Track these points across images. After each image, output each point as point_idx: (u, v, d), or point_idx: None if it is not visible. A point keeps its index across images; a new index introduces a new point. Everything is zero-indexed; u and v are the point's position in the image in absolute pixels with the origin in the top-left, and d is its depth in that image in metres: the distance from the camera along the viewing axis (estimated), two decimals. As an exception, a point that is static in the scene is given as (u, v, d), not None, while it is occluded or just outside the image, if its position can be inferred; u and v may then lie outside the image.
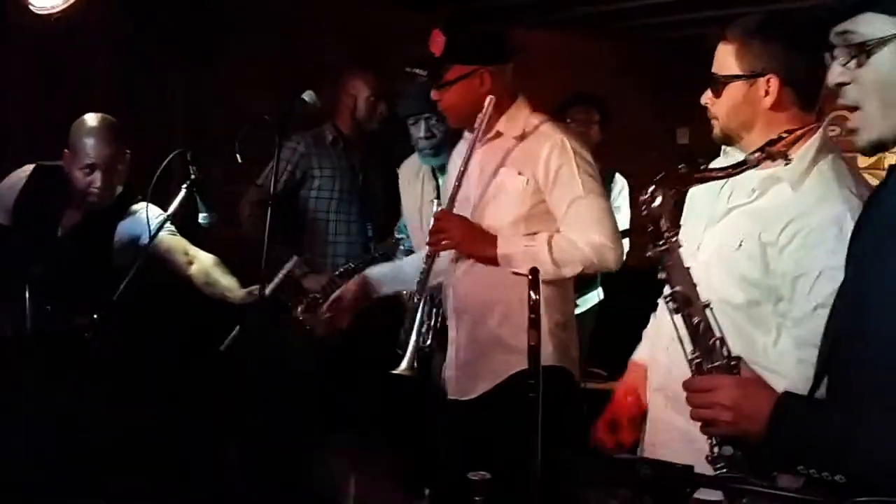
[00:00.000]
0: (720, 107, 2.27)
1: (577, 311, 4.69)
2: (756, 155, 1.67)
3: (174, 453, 3.94)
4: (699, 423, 1.66)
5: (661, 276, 1.72)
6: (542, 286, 2.32)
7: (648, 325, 2.64)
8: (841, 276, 1.70)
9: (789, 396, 1.57)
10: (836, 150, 2.20)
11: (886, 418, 1.43)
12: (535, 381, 2.27)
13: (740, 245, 2.19)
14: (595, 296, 4.82)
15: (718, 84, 2.25)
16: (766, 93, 2.20)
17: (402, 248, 4.05)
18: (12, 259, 3.45)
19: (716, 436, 1.65)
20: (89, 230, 3.53)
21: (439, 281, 3.26)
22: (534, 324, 2.31)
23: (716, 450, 1.68)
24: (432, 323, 3.55)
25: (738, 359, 1.68)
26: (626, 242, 4.80)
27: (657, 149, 6.39)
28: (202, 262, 3.62)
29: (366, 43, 5.08)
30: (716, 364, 1.67)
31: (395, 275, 3.45)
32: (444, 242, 3.01)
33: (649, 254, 1.72)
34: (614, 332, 4.68)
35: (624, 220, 4.93)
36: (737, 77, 2.23)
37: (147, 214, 3.35)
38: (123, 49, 4.59)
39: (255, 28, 4.90)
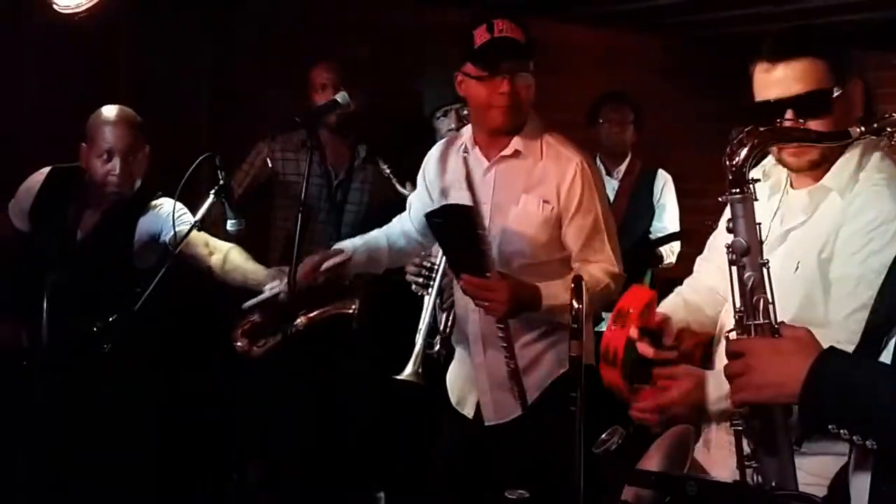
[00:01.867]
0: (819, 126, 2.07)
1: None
2: (862, 128, 1.63)
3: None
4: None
5: (729, 224, 1.70)
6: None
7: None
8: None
9: (833, 354, 1.53)
10: (880, 149, 2.15)
11: None
12: (577, 394, 2.19)
13: (797, 268, 2.12)
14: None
15: (826, 102, 2.10)
16: (856, 100, 2.15)
17: None
18: (30, 266, 3.36)
19: (745, 402, 1.62)
20: (109, 230, 3.44)
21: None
22: (576, 334, 2.23)
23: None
24: (442, 328, 3.45)
25: (782, 323, 1.66)
26: (676, 245, 4.72)
27: (711, 151, 6.23)
28: (221, 250, 3.48)
29: (395, 40, 4.98)
30: (757, 322, 1.65)
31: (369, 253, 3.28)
32: (488, 305, 2.83)
33: (723, 199, 1.71)
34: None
35: (672, 220, 4.80)
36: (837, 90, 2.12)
37: (170, 210, 3.29)
38: (147, 48, 4.50)
39: (282, 25, 4.81)
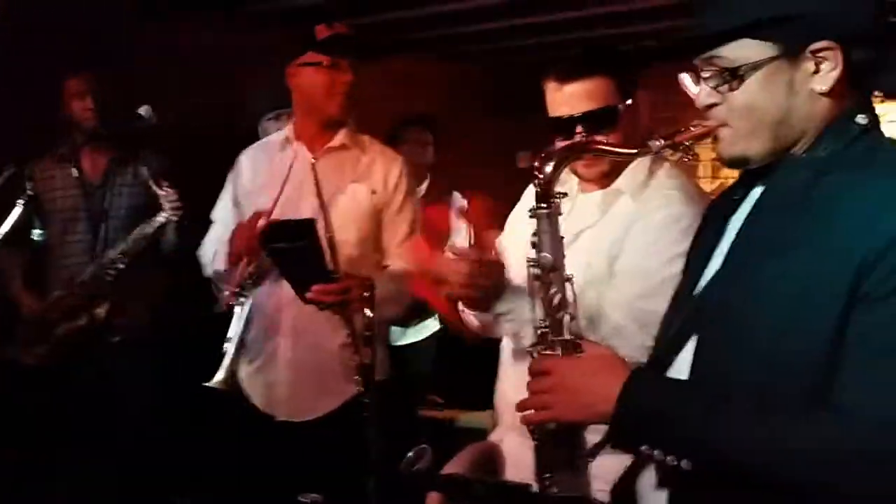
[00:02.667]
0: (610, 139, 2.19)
1: (418, 337, 4.71)
2: (661, 142, 1.60)
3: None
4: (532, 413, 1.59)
5: (534, 239, 1.67)
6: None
7: None
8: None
9: (644, 375, 1.51)
10: (667, 158, 2.26)
11: (752, 410, 1.38)
12: (369, 400, 2.21)
13: (588, 268, 2.18)
14: (434, 322, 4.74)
15: (612, 117, 2.22)
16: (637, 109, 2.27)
17: None
18: None
19: (553, 421, 1.58)
20: None
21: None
22: (368, 341, 2.27)
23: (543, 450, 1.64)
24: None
25: (584, 340, 1.63)
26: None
27: (498, 172, 6.43)
28: None
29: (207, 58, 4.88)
30: (561, 339, 1.63)
31: None
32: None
33: (530, 213, 1.67)
34: (455, 360, 4.69)
35: (464, 241, 4.90)
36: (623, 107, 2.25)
37: None
38: None
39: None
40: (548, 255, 1.65)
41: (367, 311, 2.26)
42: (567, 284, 1.65)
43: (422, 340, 4.66)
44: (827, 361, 1.33)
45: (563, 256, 1.68)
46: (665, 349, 1.60)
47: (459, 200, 4.94)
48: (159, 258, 3.86)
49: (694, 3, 1.55)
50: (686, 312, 1.58)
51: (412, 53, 5.97)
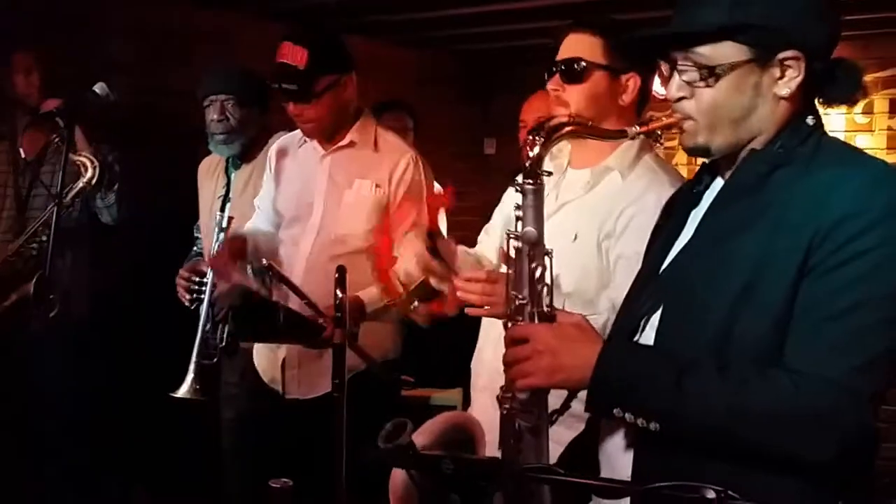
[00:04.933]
0: (576, 93, 2.31)
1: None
2: (638, 128, 1.70)
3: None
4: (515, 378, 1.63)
5: (518, 213, 1.72)
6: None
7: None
8: None
9: (619, 341, 1.64)
10: (652, 147, 2.37)
11: (715, 374, 1.49)
12: (339, 381, 2.22)
13: (575, 238, 2.25)
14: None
15: (582, 69, 2.30)
16: (626, 90, 2.34)
17: (195, 249, 3.82)
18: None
19: (532, 387, 1.62)
20: None
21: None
22: (339, 322, 2.27)
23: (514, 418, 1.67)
24: (219, 340, 3.40)
25: (557, 310, 1.69)
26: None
27: (465, 159, 6.45)
28: None
29: (156, 40, 4.85)
30: (539, 310, 1.67)
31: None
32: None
33: (517, 188, 1.72)
34: (424, 339, 4.71)
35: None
36: (604, 67, 2.30)
37: None
38: None
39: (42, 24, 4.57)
40: (532, 229, 1.70)
41: (339, 292, 2.28)
42: (547, 258, 1.70)
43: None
44: (779, 330, 1.47)
45: (543, 233, 1.72)
46: (629, 322, 1.69)
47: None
48: (107, 244, 3.86)
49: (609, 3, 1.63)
50: (651, 289, 1.67)
51: (378, 37, 5.95)
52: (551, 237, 2.07)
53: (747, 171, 1.58)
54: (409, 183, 3.03)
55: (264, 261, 2.89)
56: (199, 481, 3.70)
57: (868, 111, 5.68)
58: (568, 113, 2.27)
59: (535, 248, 1.69)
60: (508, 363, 1.62)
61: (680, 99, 1.60)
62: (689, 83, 1.57)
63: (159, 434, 4.03)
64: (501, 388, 1.67)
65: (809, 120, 1.59)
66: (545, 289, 1.67)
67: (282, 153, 3.24)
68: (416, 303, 2.36)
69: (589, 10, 4.65)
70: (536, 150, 1.70)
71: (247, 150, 3.62)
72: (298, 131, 3.17)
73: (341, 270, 2.33)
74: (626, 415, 1.52)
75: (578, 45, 2.33)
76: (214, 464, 3.45)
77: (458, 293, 2.20)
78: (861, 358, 1.43)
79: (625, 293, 2.01)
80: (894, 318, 1.44)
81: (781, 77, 1.55)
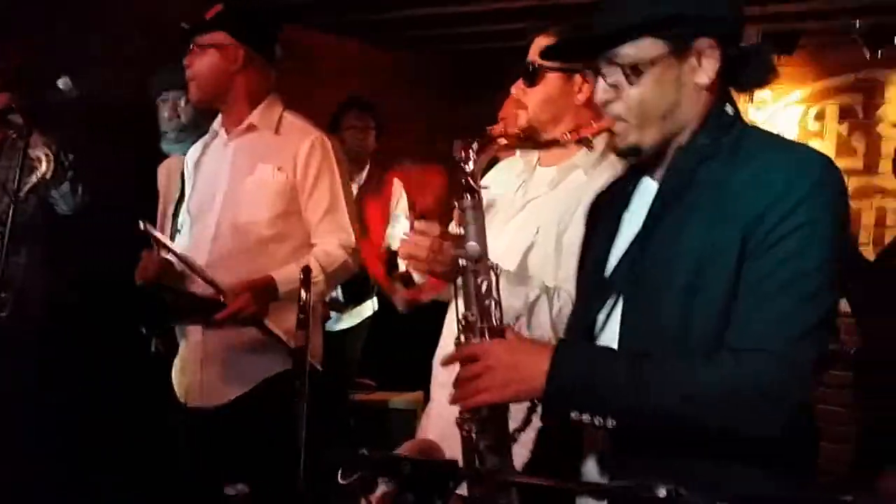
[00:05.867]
0: (533, 96, 2.35)
1: (352, 322, 4.73)
2: (569, 135, 1.71)
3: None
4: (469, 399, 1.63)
5: (459, 230, 1.73)
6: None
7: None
8: None
9: (568, 346, 1.66)
10: None
11: (665, 364, 1.54)
12: (300, 384, 2.23)
13: (537, 232, 2.28)
14: (370, 306, 4.77)
15: (535, 72, 2.33)
16: (580, 90, 2.34)
17: None
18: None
19: (487, 403, 1.63)
20: None
21: None
22: (302, 324, 2.28)
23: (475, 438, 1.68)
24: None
25: (508, 326, 1.70)
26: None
27: (436, 159, 6.46)
28: None
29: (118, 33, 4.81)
30: (488, 326, 1.67)
31: None
32: (242, 317, 2.81)
33: (456, 206, 1.73)
34: (385, 343, 4.73)
35: (405, 228, 4.91)
36: (557, 69, 2.32)
37: None
38: None
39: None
40: (474, 244, 1.70)
41: (303, 293, 2.29)
42: (492, 272, 1.71)
43: (356, 325, 4.69)
44: (727, 314, 1.53)
45: (486, 246, 1.73)
46: (583, 324, 1.70)
47: (398, 188, 4.98)
48: (63, 242, 3.79)
49: (595, 4, 1.65)
50: (603, 290, 1.68)
51: (353, 37, 5.95)
52: (518, 232, 2.10)
53: (680, 169, 1.62)
54: (318, 167, 2.94)
55: (141, 225, 2.82)
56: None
57: (820, 117, 5.80)
58: (518, 120, 2.32)
59: (478, 264, 1.70)
60: (461, 382, 1.62)
61: (608, 102, 1.63)
62: (614, 85, 1.61)
63: (123, 437, 3.99)
64: (460, 411, 1.67)
65: (728, 109, 1.64)
66: (493, 303, 1.68)
67: (195, 152, 3.17)
68: (399, 287, 2.37)
69: (564, 12, 4.70)
70: (470, 164, 1.72)
71: None
72: (212, 126, 3.14)
73: (305, 271, 2.35)
74: (584, 416, 1.54)
75: (535, 48, 2.36)
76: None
77: (406, 246, 2.20)
78: (800, 329, 1.49)
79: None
80: (825, 286, 1.51)
81: (697, 67, 1.59)
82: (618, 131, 1.64)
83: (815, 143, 5.78)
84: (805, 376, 1.51)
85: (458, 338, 1.71)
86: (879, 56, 5.22)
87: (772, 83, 1.69)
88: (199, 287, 2.87)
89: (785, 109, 5.88)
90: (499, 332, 1.67)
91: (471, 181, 1.72)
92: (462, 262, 1.71)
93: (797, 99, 5.86)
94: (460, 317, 1.71)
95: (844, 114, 5.72)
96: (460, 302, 1.73)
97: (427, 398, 2.61)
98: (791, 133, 5.78)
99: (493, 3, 5.09)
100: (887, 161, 4.90)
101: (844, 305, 3.33)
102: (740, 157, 1.58)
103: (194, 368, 2.97)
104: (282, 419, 2.24)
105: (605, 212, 1.79)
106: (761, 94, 5.85)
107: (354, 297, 4.55)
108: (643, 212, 1.66)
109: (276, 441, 2.22)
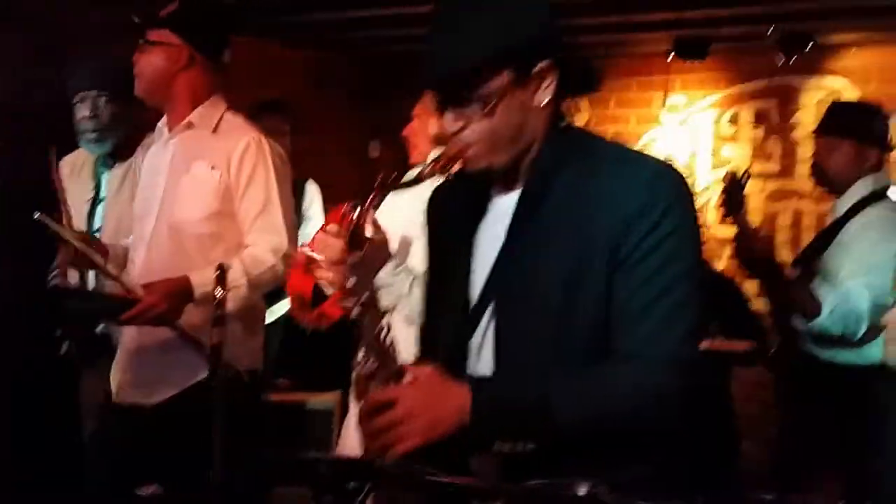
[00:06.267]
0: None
1: (268, 320, 4.67)
2: (430, 167, 1.70)
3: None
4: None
5: (350, 283, 1.72)
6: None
7: None
8: None
9: (480, 380, 1.65)
10: None
11: (573, 380, 1.59)
12: (216, 384, 2.19)
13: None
14: (285, 305, 4.73)
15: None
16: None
17: None
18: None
19: (415, 447, 1.57)
20: None
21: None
22: (218, 321, 2.23)
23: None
24: None
25: (404, 366, 1.68)
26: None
27: (350, 161, 6.44)
28: None
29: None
30: (393, 370, 1.66)
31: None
32: (151, 315, 2.75)
33: (349, 260, 1.74)
34: (301, 343, 4.69)
35: (315, 231, 4.89)
36: None
37: None
38: None
39: None
40: (368, 293, 1.71)
41: (219, 291, 2.24)
42: (385, 315, 1.72)
43: (269, 324, 4.64)
44: (604, 324, 1.59)
45: (376, 292, 1.76)
46: (456, 345, 1.71)
47: (311, 189, 4.95)
48: None
49: (426, 36, 1.65)
50: (476, 304, 1.70)
51: (269, 38, 5.90)
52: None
53: (536, 181, 1.66)
54: (253, 166, 2.90)
55: (35, 214, 2.76)
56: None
57: (734, 121, 5.92)
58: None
59: (370, 310, 1.70)
60: (381, 430, 1.58)
61: (458, 130, 1.64)
62: (461, 114, 1.62)
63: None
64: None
65: (563, 122, 1.69)
66: (392, 348, 1.68)
67: (142, 151, 3.16)
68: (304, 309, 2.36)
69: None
70: (365, 216, 1.74)
71: (120, 149, 3.51)
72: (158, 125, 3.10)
73: (221, 270, 2.30)
74: (507, 445, 1.57)
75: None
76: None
77: (314, 243, 2.16)
78: (682, 330, 1.58)
79: None
80: (696, 288, 1.61)
81: (538, 88, 1.63)
82: (469, 157, 1.65)
83: (730, 147, 5.92)
84: (692, 373, 1.60)
85: (367, 381, 1.68)
86: (791, 63, 5.36)
87: (597, 89, 1.75)
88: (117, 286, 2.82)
89: (699, 113, 5.99)
90: (401, 373, 1.65)
91: (359, 234, 1.74)
92: (357, 311, 1.69)
93: (711, 103, 5.97)
94: (360, 362, 1.69)
95: (759, 118, 5.83)
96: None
97: (345, 399, 2.59)
98: (706, 136, 5.92)
99: (395, 7, 5.09)
100: (804, 165, 5.01)
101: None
102: (596, 168, 1.63)
103: (125, 367, 2.95)
104: (206, 422, 2.20)
105: (452, 227, 1.79)
106: (675, 97, 5.99)
107: (269, 297, 4.50)
108: (499, 227, 1.68)
109: (197, 443, 2.16)
